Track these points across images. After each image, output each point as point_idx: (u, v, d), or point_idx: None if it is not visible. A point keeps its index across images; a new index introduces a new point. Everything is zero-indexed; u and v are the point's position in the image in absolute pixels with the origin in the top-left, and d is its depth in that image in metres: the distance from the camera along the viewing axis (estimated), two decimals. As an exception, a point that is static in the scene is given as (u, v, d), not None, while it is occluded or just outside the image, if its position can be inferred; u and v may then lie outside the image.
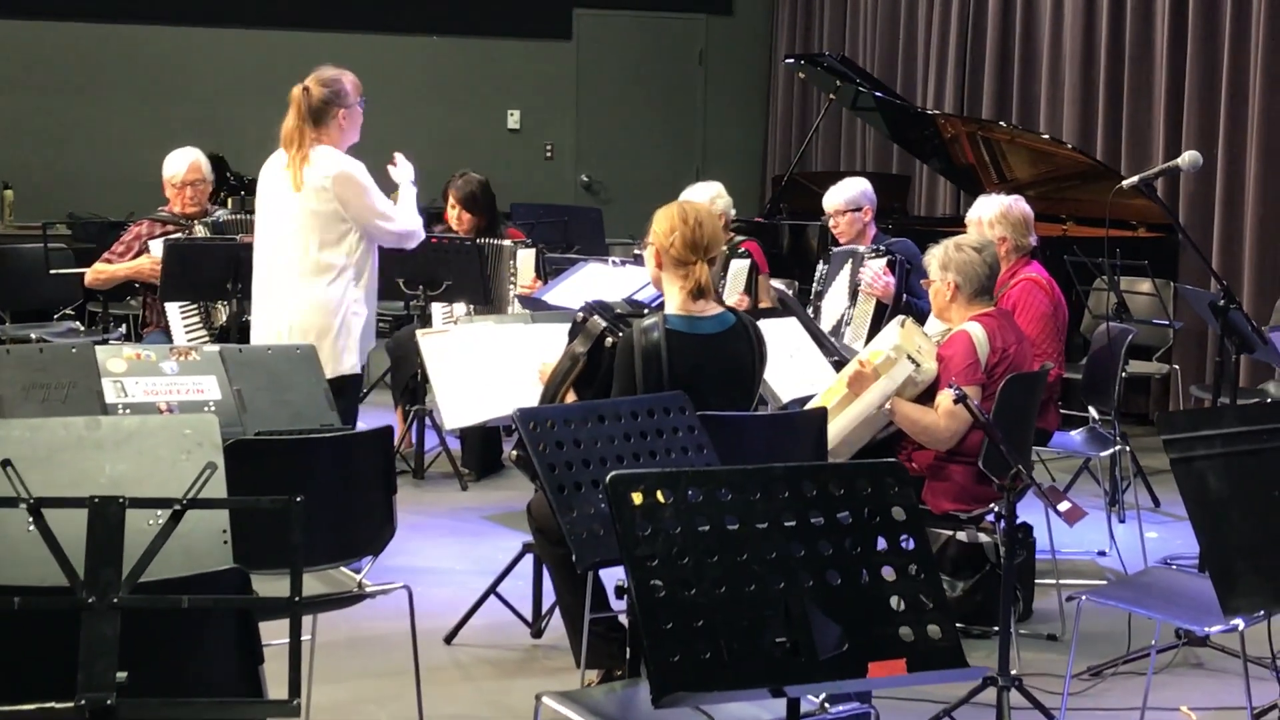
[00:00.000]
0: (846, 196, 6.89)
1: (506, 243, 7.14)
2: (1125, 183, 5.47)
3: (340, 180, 5.30)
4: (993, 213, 5.70)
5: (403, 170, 5.76)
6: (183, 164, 6.75)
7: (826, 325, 6.60)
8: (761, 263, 6.89)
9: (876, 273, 6.51)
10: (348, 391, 5.38)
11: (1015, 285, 5.62)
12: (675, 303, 4.32)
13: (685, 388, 3.91)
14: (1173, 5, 8.50)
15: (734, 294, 6.49)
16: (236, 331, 6.27)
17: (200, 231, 6.65)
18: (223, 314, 6.49)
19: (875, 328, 6.44)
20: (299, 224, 5.33)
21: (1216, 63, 8.25)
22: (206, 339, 6.51)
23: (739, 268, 6.59)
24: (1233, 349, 5.71)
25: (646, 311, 4.41)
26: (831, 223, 6.94)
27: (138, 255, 6.67)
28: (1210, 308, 5.59)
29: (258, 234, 5.52)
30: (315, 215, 5.32)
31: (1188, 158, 5.38)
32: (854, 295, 6.68)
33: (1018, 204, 5.76)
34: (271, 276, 5.43)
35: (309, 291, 5.33)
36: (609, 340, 4.29)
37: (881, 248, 6.69)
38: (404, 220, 5.49)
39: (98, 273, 6.75)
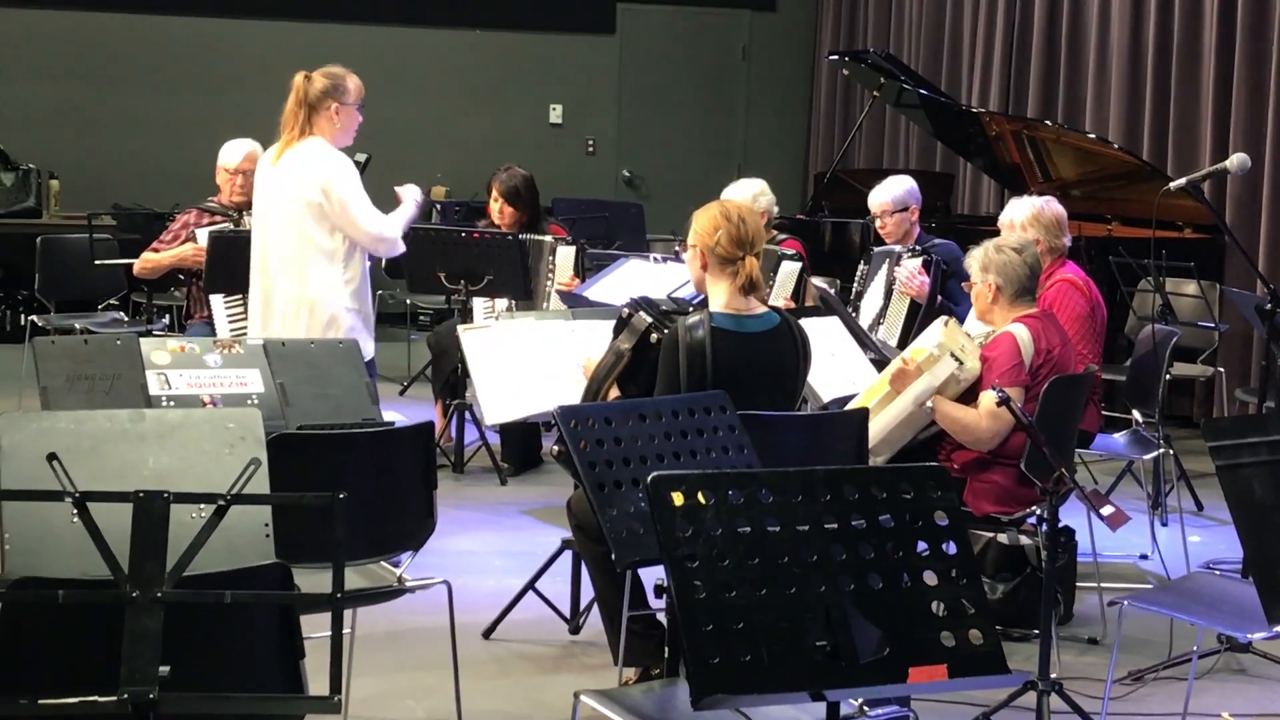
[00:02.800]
0: (894, 196, 6.83)
1: (547, 238, 7.14)
2: (1173, 185, 5.42)
3: (325, 173, 5.42)
4: (1025, 215, 5.66)
5: (409, 192, 5.87)
6: (239, 152, 6.82)
7: (863, 324, 6.57)
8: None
9: (911, 272, 6.47)
10: None
11: (1051, 286, 5.58)
12: (721, 301, 4.32)
13: (729, 386, 3.91)
14: (1221, 4, 8.42)
15: (780, 297, 6.47)
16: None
17: (247, 222, 6.69)
18: None
19: (908, 327, 6.42)
20: (286, 212, 5.47)
21: (1265, 63, 8.17)
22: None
23: (790, 270, 6.56)
24: (1278, 352, 5.66)
25: (691, 308, 4.41)
26: (878, 223, 6.88)
27: (184, 244, 6.73)
28: (1256, 311, 5.55)
29: (254, 222, 5.62)
30: (300, 204, 5.44)
31: (1236, 160, 5.33)
32: (889, 294, 6.65)
33: (1050, 205, 5.71)
34: (263, 265, 5.56)
35: (297, 281, 5.45)
36: (654, 336, 4.28)
37: (918, 248, 6.65)
38: (382, 225, 5.54)
39: (145, 262, 6.84)
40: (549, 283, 7.06)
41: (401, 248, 5.76)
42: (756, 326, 4.33)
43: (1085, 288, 5.63)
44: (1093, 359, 5.48)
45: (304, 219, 5.45)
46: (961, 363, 4.76)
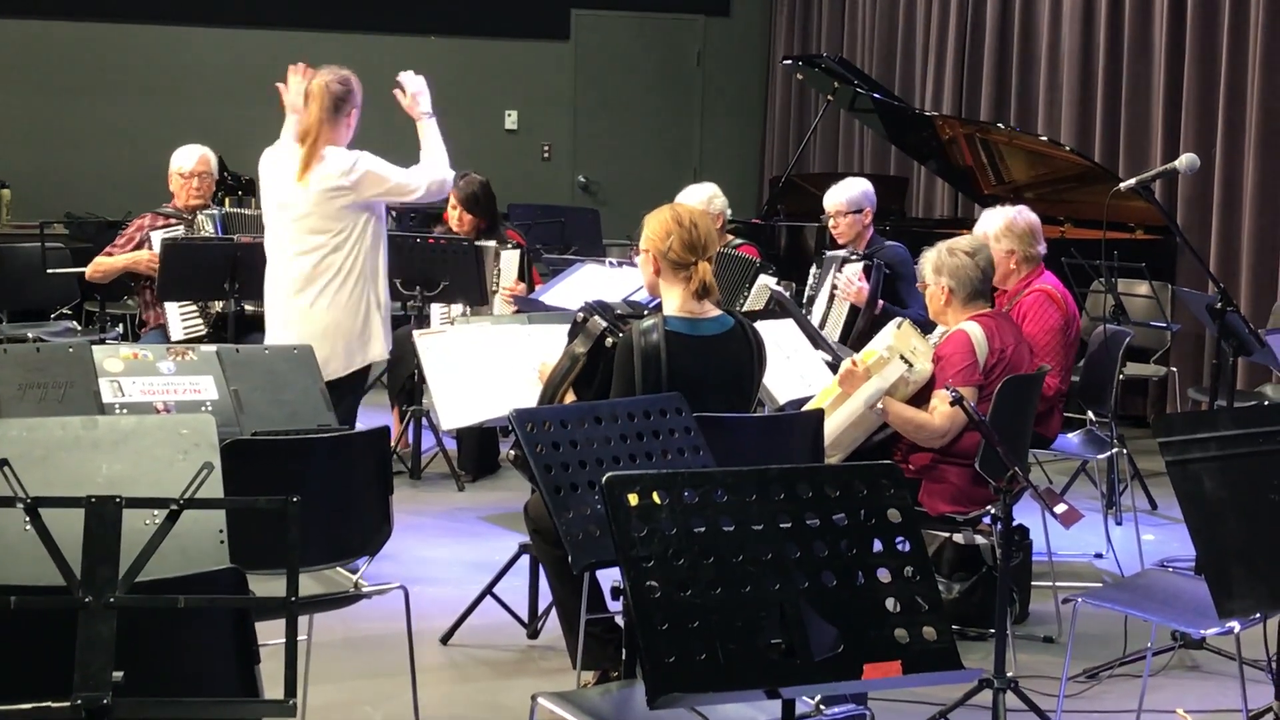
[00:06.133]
0: (849, 197, 6.86)
1: (491, 244, 7.13)
2: (1123, 185, 5.46)
3: (359, 176, 5.43)
4: (998, 226, 5.67)
5: (413, 85, 5.79)
6: (193, 156, 6.82)
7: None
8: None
9: (849, 278, 6.52)
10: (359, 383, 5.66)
11: (1028, 295, 5.59)
12: (675, 304, 4.32)
13: (684, 389, 3.91)
14: (1171, 7, 8.50)
15: (756, 306, 6.51)
16: (234, 320, 6.29)
17: (202, 221, 6.69)
18: (218, 304, 6.53)
19: (848, 331, 6.46)
20: (313, 223, 5.43)
21: (1214, 65, 8.26)
22: (203, 330, 6.55)
23: (764, 283, 6.59)
24: (1230, 351, 5.70)
25: (646, 312, 4.42)
26: (831, 223, 6.92)
27: (139, 247, 6.73)
28: (1208, 310, 5.59)
29: (268, 232, 5.55)
30: (330, 214, 5.41)
31: (1185, 160, 5.38)
32: (831, 299, 6.70)
33: (1022, 215, 5.71)
34: (288, 276, 5.49)
35: (330, 290, 5.45)
36: (609, 340, 4.29)
37: (859, 252, 6.70)
38: (428, 173, 5.58)
39: (97, 265, 6.84)
40: (495, 288, 7.07)
41: (449, 175, 5.71)
42: (711, 329, 4.34)
43: (1062, 301, 5.61)
44: (1062, 373, 5.50)
45: (327, 232, 5.43)
46: (911, 365, 4.78)
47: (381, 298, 5.58)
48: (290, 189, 5.46)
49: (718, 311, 4.38)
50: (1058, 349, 5.53)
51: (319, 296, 5.47)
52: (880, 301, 6.55)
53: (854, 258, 6.66)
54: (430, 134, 5.72)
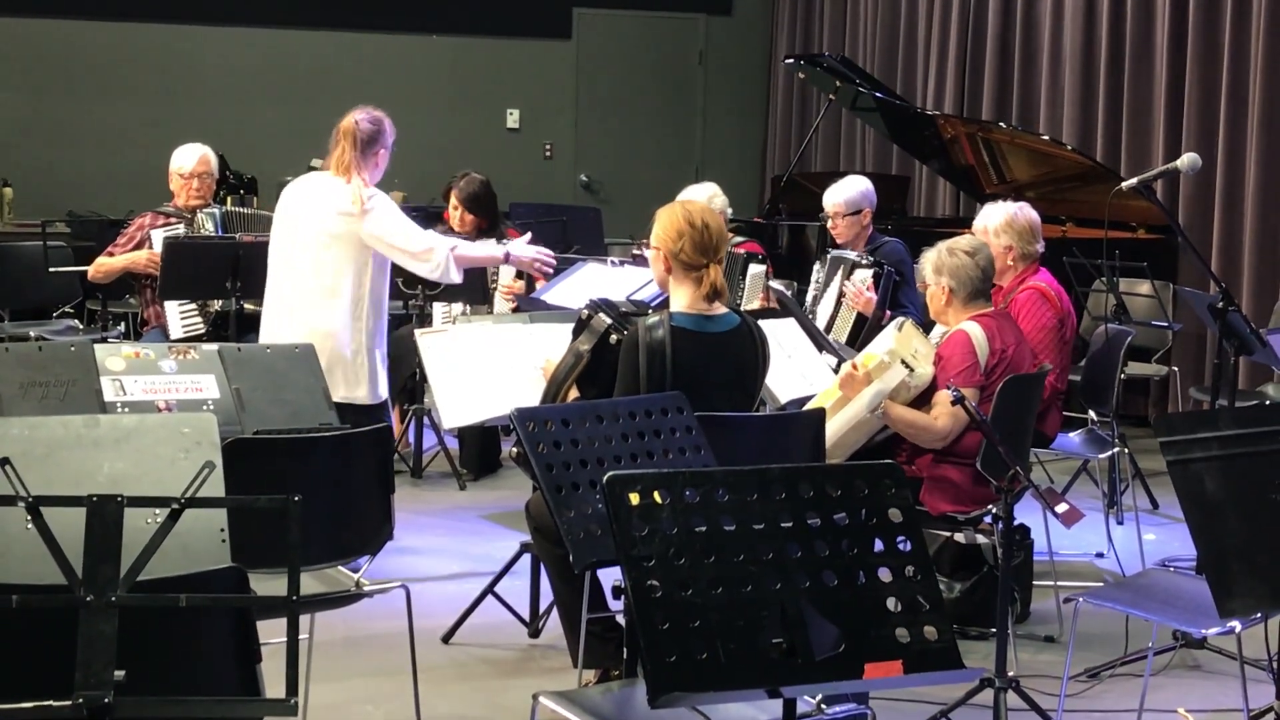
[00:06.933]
0: (847, 198, 6.83)
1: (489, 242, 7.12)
2: (1125, 184, 5.46)
3: (372, 217, 5.39)
4: (998, 221, 5.67)
5: (519, 247, 5.88)
6: (193, 156, 6.83)
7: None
8: (761, 264, 6.87)
9: (859, 288, 6.47)
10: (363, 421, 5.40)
11: (1021, 291, 5.59)
12: (684, 302, 4.32)
13: (688, 387, 3.91)
14: (1173, 7, 8.50)
15: (753, 299, 6.49)
16: (234, 319, 6.29)
17: (202, 220, 6.69)
18: (217, 302, 6.54)
19: (854, 337, 6.44)
20: (328, 250, 5.40)
21: (1216, 64, 8.25)
22: (203, 328, 6.55)
23: (757, 272, 6.58)
24: (1231, 351, 5.70)
25: (650, 310, 4.42)
26: (830, 223, 6.90)
27: (139, 246, 6.75)
28: (1209, 310, 5.59)
29: (280, 255, 5.53)
30: (344, 242, 5.39)
31: (1187, 160, 5.38)
32: (839, 303, 6.68)
33: (1023, 212, 5.72)
34: (293, 299, 5.47)
35: (333, 316, 5.40)
36: (614, 337, 4.29)
37: (870, 258, 6.67)
38: (425, 243, 5.49)
39: (99, 266, 6.86)
40: (493, 286, 7.06)
41: (455, 275, 5.60)
42: (716, 327, 4.34)
43: (1056, 298, 5.61)
44: (1058, 370, 5.50)
45: (337, 260, 5.41)
46: (912, 370, 4.77)
47: (376, 341, 5.53)
48: (310, 212, 5.44)
49: (724, 310, 4.38)
50: (1052, 347, 5.54)
51: (325, 322, 5.42)
52: (888, 312, 6.52)
53: (864, 263, 6.60)
54: (486, 246, 5.89)
